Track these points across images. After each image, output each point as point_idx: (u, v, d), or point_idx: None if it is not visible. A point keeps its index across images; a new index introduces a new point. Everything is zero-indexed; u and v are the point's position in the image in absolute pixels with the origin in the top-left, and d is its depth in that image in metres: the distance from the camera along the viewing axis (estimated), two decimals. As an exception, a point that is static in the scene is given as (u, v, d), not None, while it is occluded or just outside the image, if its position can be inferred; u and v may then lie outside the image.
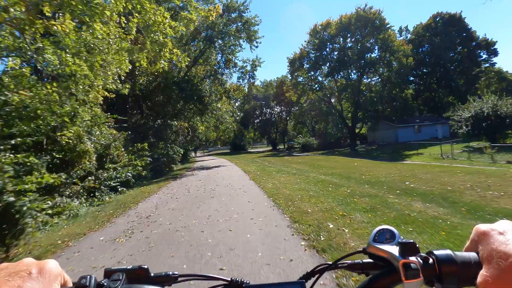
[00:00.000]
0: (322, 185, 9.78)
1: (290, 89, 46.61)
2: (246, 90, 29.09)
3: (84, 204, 9.82)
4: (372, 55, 40.13)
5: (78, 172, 9.79)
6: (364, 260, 0.67)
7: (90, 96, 10.07)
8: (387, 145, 38.52)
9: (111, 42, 8.89)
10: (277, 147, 59.96)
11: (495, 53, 43.98)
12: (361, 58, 39.72)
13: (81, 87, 9.29)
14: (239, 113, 59.90)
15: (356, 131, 44.10)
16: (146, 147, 15.13)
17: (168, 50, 8.82)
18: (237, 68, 28.34)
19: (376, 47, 38.86)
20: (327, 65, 42.19)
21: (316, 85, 44.39)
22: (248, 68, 28.60)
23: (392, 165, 18.57)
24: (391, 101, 40.10)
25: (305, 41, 43.25)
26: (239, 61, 28.04)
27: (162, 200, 9.81)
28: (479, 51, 43.39)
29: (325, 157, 27.54)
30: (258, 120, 59.38)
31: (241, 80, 29.15)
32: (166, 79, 20.31)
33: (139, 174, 14.70)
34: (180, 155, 28.45)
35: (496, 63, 43.74)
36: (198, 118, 27.77)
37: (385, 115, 41.50)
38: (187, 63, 11.34)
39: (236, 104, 63.30)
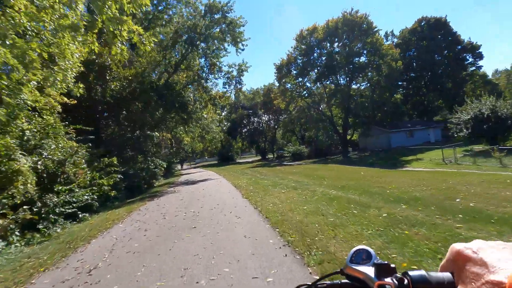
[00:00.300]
0: (339, 205, 7.32)
1: (278, 96, 44.58)
2: (233, 97, 26.72)
3: (18, 244, 7.04)
4: (361, 60, 38.74)
5: (5, 199, 7.00)
6: (342, 281, 0.67)
7: (30, 99, 7.38)
8: (380, 151, 36.75)
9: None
10: (266, 157, 57.56)
11: (480, 56, 43.43)
12: (350, 63, 38.21)
13: (11, 87, 6.64)
14: (226, 123, 57.45)
15: (348, 137, 42.29)
16: (115, 162, 12.34)
17: (126, 28, 6.29)
18: (223, 74, 25.95)
19: (365, 51, 37.45)
20: (315, 70, 40.51)
21: (305, 92, 42.58)
22: (234, 73, 26.26)
23: (400, 173, 16.43)
24: (382, 106, 38.55)
25: (292, 47, 41.60)
26: (225, 66, 25.65)
27: (126, 233, 7.13)
28: (464, 54, 42.72)
29: (321, 166, 25.29)
30: (246, 129, 56.97)
31: (227, 86, 26.74)
32: (142, 84, 17.66)
33: (107, 195, 11.92)
34: (163, 168, 25.62)
35: (482, 66, 43.17)
36: (181, 128, 25.10)
37: (376, 121, 39.87)
38: (152, 46, 8.83)
39: (223, 113, 61.01)
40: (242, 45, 24.46)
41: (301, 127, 55.12)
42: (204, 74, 25.59)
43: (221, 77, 26.17)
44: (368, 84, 39.68)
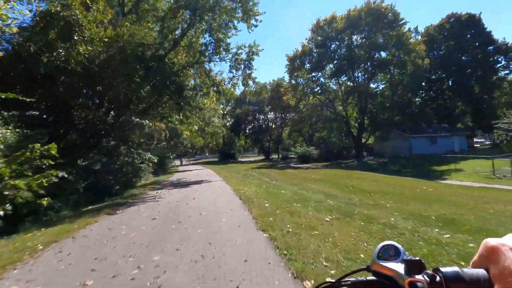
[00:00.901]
0: None
1: (288, 91, 39.82)
2: (240, 83, 21.76)
3: None
4: (383, 55, 33.92)
5: None
6: (368, 278, 0.64)
7: None
8: (401, 158, 32.00)
9: None
10: (270, 157, 52.78)
11: (514, 59, 38.50)
12: (370, 58, 33.44)
13: None
14: (229, 119, 52.72)
15: (363, 140, 37.53)
16: (54, 152, 7.54)
17: None
18: (229, 56, 21.19)
19: (389, 45, 32.60)
20: (332, 64, 35.74)
21: (318, 88, 37.82)
22: (243, 56, 21.47)
23: (465, 190, 11.72)
24: (404, 108, 33.73)
25: (306, 38, 36.86)
26: (233, 48, 20.84)
27: None
28: (497, 56, 37.79)
29: (342, 172, 20.54)
30: (250, 126, 52.19)
31: (234, 71, 21.93)
32: (123, 51, 12.89)
33: (36, 204, 7.20)
34: (151, 164, 20.89)
35: (515, 70, 38.20)
36: (176, 116, 20.36)
37: (396, 124, 35.04)
38: None
39: (227, 108, 56.32)
40: (256, 20, 19.73)
41: (310, 127, 50.33)
42: (207, 53, 20.84)
43: (228, 60, 21.41)
44: (389, 83, 34.80)
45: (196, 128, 25.08)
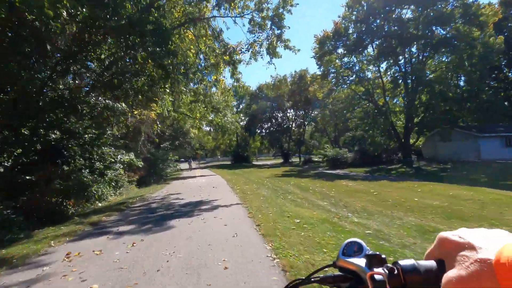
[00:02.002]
0: None
1: (317, 81, 31.80)
2: (264, 51, 13.70)
3: None
4: (441, 32, 25.44)
5: None
6: (335, 274, 0.66)
7: None
8: (466, 163, 23.49)
9: None
10: (289, 160, 44.68)
11: None
12: (423, 36, 25.05)
13: None
14: (243, 117, 45.00)
15: (411, 141, 29.07)
16: None
17: None
18: (249, 12, 13.44)
19: (452, 18, 24.10)
20: (375, 44, 27.58)
21: (354, 76, 29.62)
22: (269, 12, 13.65)
23: None
24: (471, 99, 25.16)
25: (339, 16, 28.83)
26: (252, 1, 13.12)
27: None
28: None
29: (443, 187, 12.29)
30: (267, 126, 44.27)
31: (255, 35, 14.06)
32: None
33: None
34: (122, 172, 13.36)
35: None
36: (168, 96, 12.70)
37: (458, 119, 26.45)
38: None
39: (241, 105, 48.64)
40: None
41: (336, 126, 42.11)
42: (216, 5, 13.16)
43: (247, 15, 13.65)
44: (450, 68, 26.21)
45: (199, 116, 17.54)
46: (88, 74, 11.06)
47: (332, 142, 43.88)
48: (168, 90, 10.21)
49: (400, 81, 26.46)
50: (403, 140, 27.78)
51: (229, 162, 51.90)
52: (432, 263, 0.51)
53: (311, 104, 40.28)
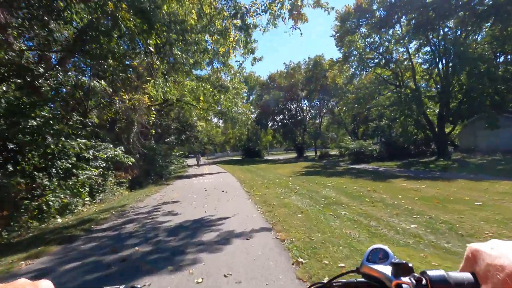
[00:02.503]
0: None
1: (338, 65, 27.86)
2: (286, 12, 9.94)
3: None
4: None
5: None
6: (357, 280, 0.64)
7: None
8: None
9: None
10: (304, 154, 40.97)
11: None
12: (467, 5, 20.81)
13: None
14: (253, 110, 41.42)
15: (446, 130, 25.02)
16: None
17: None
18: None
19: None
20: (404, 20, 23.50)
21: (380, 58, 25.62)
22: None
23: None
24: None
25: (361, -9, 24.76)
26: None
27: None
28: None
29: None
30: (280, 117, 40.58)
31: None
32: None
33: None
34: (106, 172, 9.97)
35: None
36: (162, 73, 9.29)
37: (506, 103, 22.25)
38: None
39: (251, 97, 45.06)
40: None
41: (355, 117, 38.13)
42: None
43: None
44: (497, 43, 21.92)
45: (205, 106, 14.24)
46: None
47: (350, 134, 39.95)
48: (152, 49, 6.70)
49: (433, 63, 22.39)
50: (436, 129, 23.81)
51: (239, 157, 48.61)
52: (464, 275, 0.47)
53: (328, 93, 36.39)
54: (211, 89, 11.46)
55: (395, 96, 24.53)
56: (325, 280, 0.69)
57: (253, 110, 41.49)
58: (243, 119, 23.31)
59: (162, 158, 17.69)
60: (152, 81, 10.12)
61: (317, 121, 39.73)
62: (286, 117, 39.90)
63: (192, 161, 36.77)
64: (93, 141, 9.66)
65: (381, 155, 26.07)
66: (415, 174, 12.87)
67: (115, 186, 11.75)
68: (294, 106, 39.66)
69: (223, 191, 10.50)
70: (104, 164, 10.25)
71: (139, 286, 0.57)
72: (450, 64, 21.81)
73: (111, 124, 13.75)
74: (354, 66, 26.92)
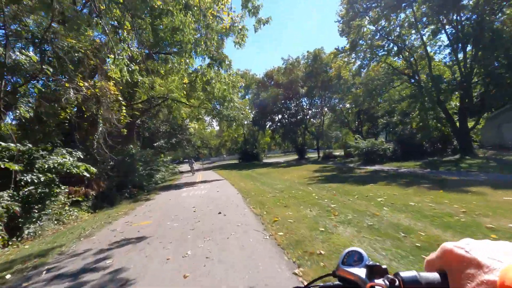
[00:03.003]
0: None
1: (343, 55, 24.63)
2: None
3: None
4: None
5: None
6: (334, 283, 0.64)
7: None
8: None
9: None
10: (305, 156, 37.63)
11: None
12: None
13: None
14: (249, 110, 37.96)
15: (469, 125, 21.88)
16: None
17: None
18: None
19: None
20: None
21: (393, 45, 22.46)
22: None
23: None
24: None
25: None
26: None
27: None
28: None
29: None
30: (279, 117, 37.19)
31: None
32: None
33: None
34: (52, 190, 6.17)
35: None
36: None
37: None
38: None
39: (247, 96, 41.60)
40: None
41: (358, 114, 35.02)
42: None
43: None
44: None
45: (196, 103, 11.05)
46: None
47: (354, 132, 36.79)
48: None
49: (455, 47, 19.30)
50: (457, 124, 20.71)
51: (236, 161, 45.05)
52: (434, 275, 0.48)
53: (330, 89, 33.20)
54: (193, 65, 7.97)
55: (411, 87, 21.37)
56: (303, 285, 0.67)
57: (250, 110, 38.10)
58: (240, 116, 19.89)
59: (144, 165, 14.11)
60: (112, 57, 6.60)
61: (319, 120, 36.40)
62: (286, 116, 36.54)
63: (187, 167, 33.12)
64: (18, 145, 6.08)
65: (395, 154, 22.86)
66: (461, 177, 9.54)
67: (68, 207, 8.15)
68: (294, 104, 36.33)
69: (219, 213, 7.00)
70: (42, 177, 6.73)
71: None
72: (469, 49, 18.70)
73: (71, 124, 10.15)
74: (362, 55, 23.74)
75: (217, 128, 40.34)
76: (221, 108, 18.94)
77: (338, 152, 36.91)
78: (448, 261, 0.44)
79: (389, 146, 23.14)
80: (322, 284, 0.66)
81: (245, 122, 31.82)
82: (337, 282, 0.63)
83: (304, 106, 36.45)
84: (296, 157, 40.24)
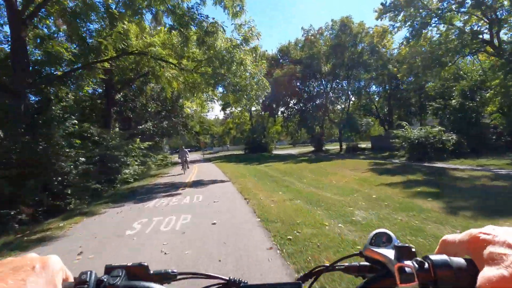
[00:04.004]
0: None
1: (392, 15, 17.75)
2: None
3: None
4: None
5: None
6: (360, 263, 0.63)
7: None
8: None
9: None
10: (323, 148, 31.11)
11: None
12: None
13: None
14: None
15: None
16: None
17: None
18: None
19: None
20: None
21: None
22: None
23: None
24: None
25: None
26: None
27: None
28: None
29: None
30: (293, 102, 30.52)
31: None
32: None
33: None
34: None
35: None
36: None
37: None
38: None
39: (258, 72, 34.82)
40: None
41: (388, 98, 28.44)
42: None
43: None
44: None
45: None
46: None
47: (382, 121, 30.12)
48: None
49: None
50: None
51: (241, 152, 38.62)
52: (462, 260, 0.46)
53: (357, 67, 26.46)
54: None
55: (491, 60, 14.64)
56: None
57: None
58: (254, 88, 13.41)
59: (85, 154, 7.70)
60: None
61: (345, 104, 29.60)
62: (302, 100, 29.83)
63: (172, 157, 26.57)
64: None
65: (460, 148, 16.43)
66: None
67: None
68: (313, 86, 29.58)
69: None
70: None
71: (145, 263, 0.53)
72: None
73: None
74: (416, 15, 16.93)
75: (218, 113, 33.75)
76: (227, 73, 12.40)
77: (364, 145, 30.38)
78: (477, 247, 0.41)
79: (451, 137, 16.55)
80: (348, 264, 0.63)
81: (260, 101, 25.25)
82: (363, 263, 0.60)
83: (325, 89, 29.62)
84: (311, 149, 33.69)
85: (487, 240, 0.41)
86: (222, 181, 10.53)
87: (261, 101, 27.43)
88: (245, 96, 13.38)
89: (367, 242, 0.59)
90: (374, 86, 29.77)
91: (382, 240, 0.58)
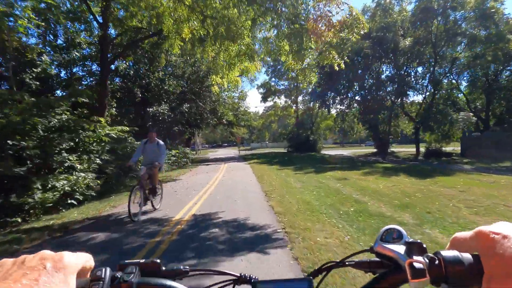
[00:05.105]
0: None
1: None
2: None
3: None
4: None
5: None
6: (371, 259, 0.60)
7: None
8: None
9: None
10: (388, 150, 23.17)
11: None
12: None
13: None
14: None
15: None
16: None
17: None
18: None
19: None
20: None
21: None
22: None
23: None
24: None
25: None
26: None
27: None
28: None
29: None
30: (356, 88, 22.97)
31: None
32: None
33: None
34: None
35: None
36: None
37: None
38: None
39: (307, 61, 27.83)
40: None
41: (487, 90, 19.71)
42: None
43: None
44: None
45: None
46: None
47: (475, 116, 21.24)
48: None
49: None
50: None
51: (283, 150, 32.03)
52: (475, 257, 0.43)
53: (453, 39, 18.12)
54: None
55: None
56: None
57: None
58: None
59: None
60: None
61: (429, 93, 21.24)
62: (367, 87, 22.16)
63: (222, 152, 20.63)
64: None
65: None
66: None
67: None
68: (385, 67, 21.75)
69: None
70: None
71: (158, 260, 0.53)
72: None
73: None
74: None
75: (259, 104, 27.52)
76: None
77: (449, 149, 21.78)
78: (484, 245, 0.40)
79: None
80: (358, 259, 0.61)
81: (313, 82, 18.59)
82: (374, 259, 0.58)
83: (399, 72, 21.52)
84: (368, 150, 25.86)
85: (495, 240, 0.39)
86: (264, 247, 4.03)
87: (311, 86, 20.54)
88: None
89: (378, 238, 0.56)
90: (467, 71, 20.99)
91: (392, 236, 0.55)
